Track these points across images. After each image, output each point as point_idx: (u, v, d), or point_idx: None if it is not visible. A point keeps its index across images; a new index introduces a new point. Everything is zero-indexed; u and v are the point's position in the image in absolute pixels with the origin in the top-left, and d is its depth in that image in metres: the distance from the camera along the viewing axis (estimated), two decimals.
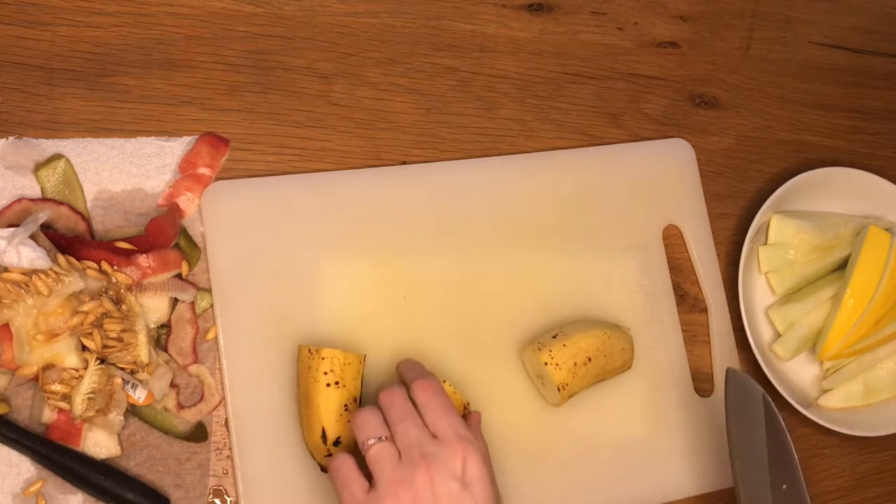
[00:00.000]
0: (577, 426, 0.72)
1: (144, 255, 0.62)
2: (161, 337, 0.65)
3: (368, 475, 0.57)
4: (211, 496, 0.64)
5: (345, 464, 0.58)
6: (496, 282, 0.72)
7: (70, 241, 0.62)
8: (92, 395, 0.59)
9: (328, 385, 0.62)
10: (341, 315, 0.68)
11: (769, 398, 0.68)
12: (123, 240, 0.63)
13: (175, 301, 0.65)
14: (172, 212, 0.66)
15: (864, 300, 0.77)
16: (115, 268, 0.61)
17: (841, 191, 0.83)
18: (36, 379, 0.60)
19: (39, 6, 0.67)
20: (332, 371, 0.62)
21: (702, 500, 0.75)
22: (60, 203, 0.64)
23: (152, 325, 0.64)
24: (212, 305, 0.66)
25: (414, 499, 0.55)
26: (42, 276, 0.58)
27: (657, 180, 0.79)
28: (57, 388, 0.59)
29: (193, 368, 0.65)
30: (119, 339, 0.61)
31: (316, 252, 0.69)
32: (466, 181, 0.74)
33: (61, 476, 0.61)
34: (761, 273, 0.82)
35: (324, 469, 0.64)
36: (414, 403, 0.59)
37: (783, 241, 0.80)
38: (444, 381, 0.64)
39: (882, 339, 0.79)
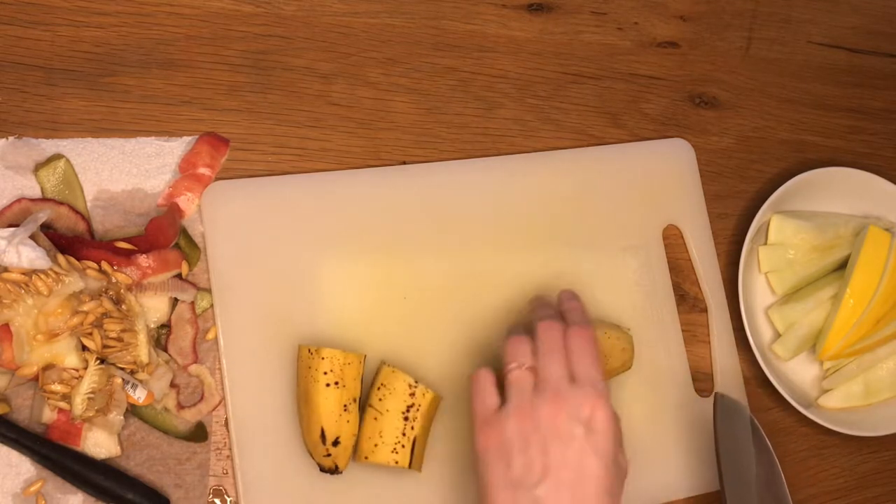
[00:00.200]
0: None
1: (144, 255, 0.62)
2: (161, 337, 0.65)
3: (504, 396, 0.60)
4: (211, 496, 0.64)
5: (485, 377, 0.61)
6: (496, 282, 0.72)
7: (70, 241, 0.62)
8: (92, 395, 0.59)
9: (328, 385, 0.62)
10: (341, 315, 0.68)
11: (757, 423, 0.69)
12: (123, 240, 0.63)
13: (175, 301, 0.65)
14: (172, 212, 0.66)
15: (864, 300, 0.77)
16: (115, 268, 0.61)
17: (841, 191, 0.83)
18: (36, 379, 0.60)
19: (39, 6, 0.67)
20: (331, 371, 0.62)
21: (702, 500, 0.75)
22: (60, 203, 0.64)
23: (152, 325, 0.64)
24: (212, 305, 0.66)
25: (535, 429, 0.57)
26: (42, 276, 0.58)
27: (657, 180, 0.79)
28: (57, 388, 0.59)
29: (193, 368, 0.65)
30: (119, 339, 0.61)
31: (316, 252, 0.69)
32: (466, 181, 0.74)
33: (61, 476, 0.61)
34: (761, 273, 0.82)
35: (323, 469, 0.64)
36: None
37: (783, 241, 0.80)
38: (387, 365, 0.65)
39: (882, 339, 0.79)
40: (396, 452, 0.64)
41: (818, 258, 0.81)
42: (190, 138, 0.68)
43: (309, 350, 0.63)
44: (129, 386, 0.61)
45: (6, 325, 0.58)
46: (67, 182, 0.64)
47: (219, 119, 0.69)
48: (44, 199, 0.64)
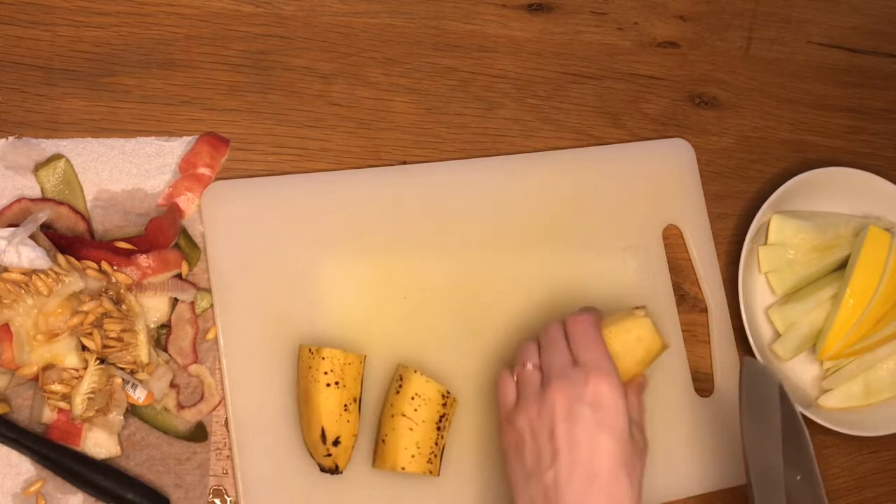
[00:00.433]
0: None
1: (144, 255, 0.62)
2: (161, 337, 0.65)
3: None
4: (211, 496, 0.64)
5: (505, 378, 0.63)
6: (496, 281, 0.72)
7: (70, 241, 0.62)
8: (92, 395, 0.59)
9: (328, 385, 0.62)
10: (341, 315, 0.68)
11: (785, 388, 0.67)
12: (123, 240, 0.63)
13: (175, 301, 0.65)
14: (172, 212, 0.66)
15: (864, 300, 0.77)
16: (115, 268, 0.61)
17: (841, 191, 0.83)
18: (36, 379, 0.60)
19: (39, 6, 0.67)
20: (332, 371, 0.62)
21: (702, 500, 0.75)
22: (60, 203, 0.64)
23: (152, 325, 0.64)
24: (212, 305, 0.66)
25: (540, 417, 0.58)
26: (42, 276, 0.58)
27: (657, 180, 0.79)
28: (57, 388, 0.59)
29: (193, 368, 0.65)
30: (119, 339, 0.61)
31: (316, 252, 0.69)
32: (466, 181, 0.74)
33: (61, 476, 0.61)
34: (761, 273, 0.82)
35: (323, 469, 0.64)
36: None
37: (783, 241, 0.80)
38: (416, 372, 0.64)
39: (882, 339, 0.79)
40: (431, 462, 0.64)
41: (818, 258, 0.81)
42: (190, 138, 0.68)
43: (309, 350, 0.63)
44: (129, 386, 0.61)
45: (6, 325, 0.58)
46: (67, 182, 0.64)
47: (219, 119, 0.69)
48: (44, 199, 0.64)
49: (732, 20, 0.87)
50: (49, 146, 0.65)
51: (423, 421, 0.64)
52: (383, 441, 0.65)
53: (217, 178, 0.68)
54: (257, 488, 0.64)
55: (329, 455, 0.63)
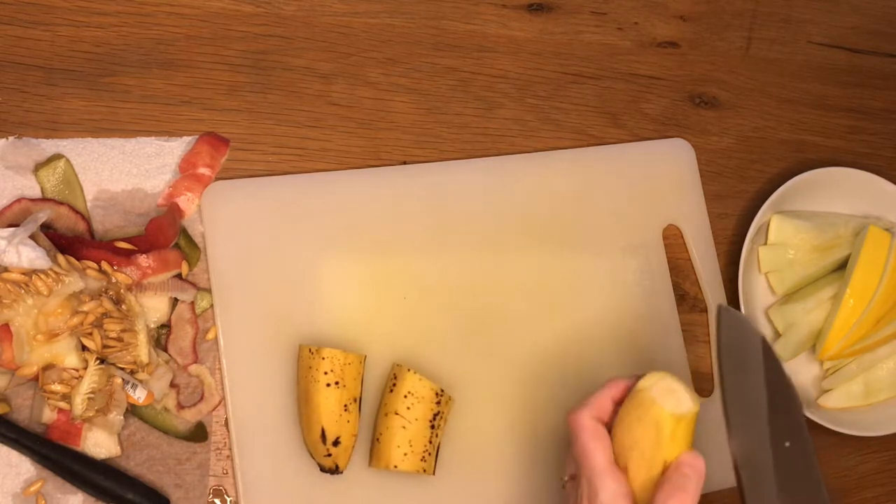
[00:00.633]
0: None
1: (144, 255, 0.62)
2: (161, 337, 0.65)
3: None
4: (211, 496, 0.64)
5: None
6: (496, 282, 0.72)
7: (70, 241, 0.62)
8: (92, 395, 0.59)
9: (328, 385, 0.62)
10: (341, 315, 0.68)
11: (769, 342, 0.58)
12: (123, 240, 0.63)
13: (175, 301, 0.65)
14: (172, 212, 0.66)
15: (864, 300, 0.77)
16: (115, 268, 0.61)
17: (841, 191, 0.83)
18: (36, 379, 0.60)
19: (39, 6, 0.67)
20: (332, 371, 0.62)
21: (701, 500, 0.75)
22: (60, 203, 0.64)
23: (152, 325, 0.64)
24: (212, 305, 0.66)
25: None
26: (42, 276, 0.58)
27: (657, 180, 0.79)
28: (57, 388, 0.59)
29: (193, 368, 0.65)
30: (119, 339, 0.61)
31: (316, 252, 0.69)
32: (466, 181, 0.74)
33: (61, 476, 0.61)
34: (761, 273, 0.82)
35: (324, 469, 0.64)
36: None
37: (783, 241, 0.80)
38: (410, 370, 0.64)
39: (882, 339, 0.79)
40: (425, 461, 0.64)
41: (818, 258, 0.81)
42: (190, 138, 0.68)
43: (309, 350, 0.63)
44: (129, 386, 0.61)
45: (6, 325, 0.58)
46: (67, 182, 0.64)
47: (219, 119, 0.69)
48: (44, 199, 0.64)
49: (732, 20, 0.87)
50: (49, 146, 0.65)
51: (416, 419, 0.64)
52: (377, 440, 0.65)
53: (217, 178, 0.68)
54: (257, 488, 0.64)
55: (329, 455, 0.63)
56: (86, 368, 0.59)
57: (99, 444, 0.61)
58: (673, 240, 0.79)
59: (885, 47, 0.92)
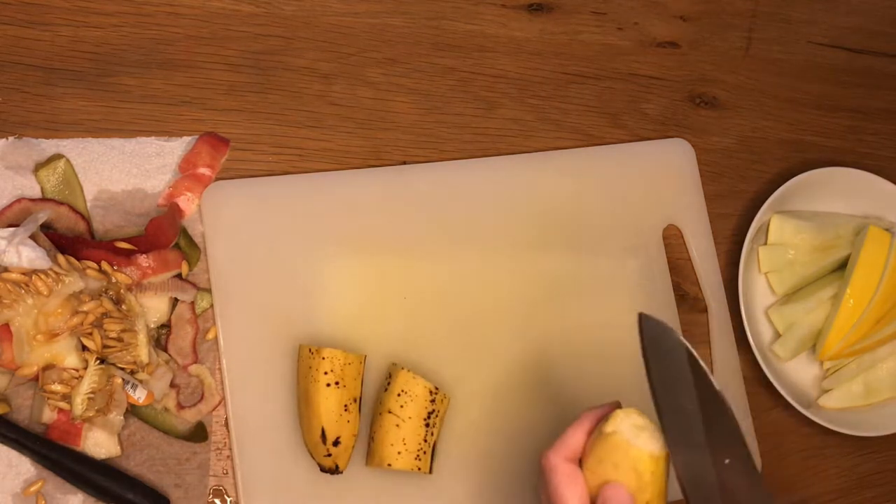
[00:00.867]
0: None
1: (144, 255, 0.62)
2: (161, 337, 0.65)
3: None
4: (211, 496, 0.64)
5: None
6: (496, 282, 0.72)
7: (70, 241, 0.62)
8: (92, 395, 0.59)
9: (328, 385, 0.62)
10: (341, 315, 0.68)
11: (693, 351, 0.54)
12: (123, 240, 0.63)
13: (175, 301, 0.65)
14: (172, 212, 0.66)
15: (864, 300, 0.77)
16: (115, 268, 0.61)
17: (841, 191, 0.83)
18: (36, 379, 0.60)
19: (39, 6, 0.67)
20: (332, 371, 0.62)
21: None
22: (60, 203, 0.64)
23: (152, 325, 0.64)
24: (212, 305, 0.66)
25: None
26: (42, 276, 0.58)
27: (657, 180, 0.79)
28: (57, 388, 0.59)
29: (193, 368, 0.65)
30: (119, 339, 0.61)
31: (316, 252, 0.69)
32: (466, 181, 0.74)
33: (61, 476, 0.61)
34: (761, 273, 0.82)
35: (324, 469, 0.64)
36: None
37: (783, 241, 0.80)
38: (403, 369, 0.65)
39: (882, 339, 0.79)
40: (419, 459, 0.64)
41: (818, 258, 0.81)
42: (190, 138, 0.68)
43: (309, 350, 0.63)
44: (129, 386, 0.61)
45: (6, 325, 0.58)
46: (67, 182, 0.64)
47: (219, 119, 0.69)
48: (44, 199, 0.64)
49: (732, 20, 0.87)
50: (49, 146, 0.65)
51: (410, 417, 0.64)
52: (372, 438, 0.65)
53: (217, 178, 0.68)
54: (257, 488, 0.64)
55: (329, 455, 0.63)
56: (86, 368, 0.59)
57: (99, 444, 0.61)
58: (673, 240, 0.79)
59: (885, 47, 0.92)
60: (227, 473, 0.65)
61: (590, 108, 0.80)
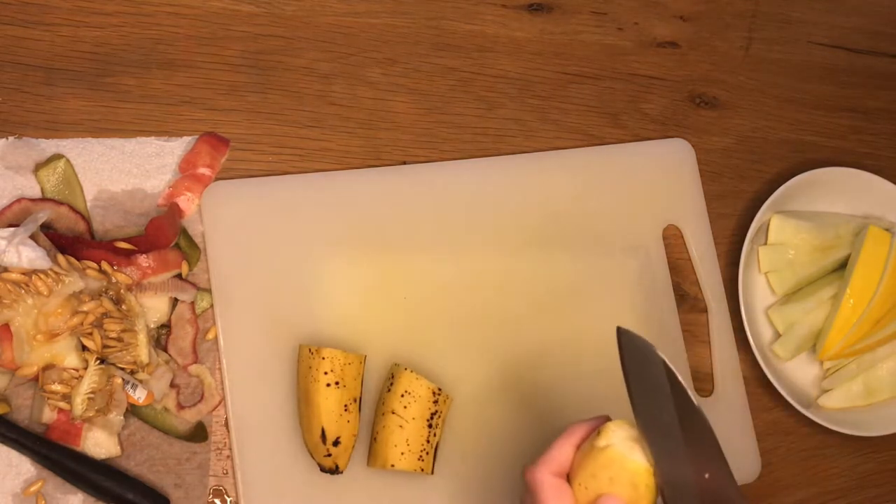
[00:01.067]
0: None
1: (144, 255, 0.62)
2: (161, 337, 0.65)
3: None
4: (211, 496, 0.64)
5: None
6: (496, 282, 0.72)
7: (70, 241, 0.62)
8: (92, 395, 0.59)
9: (328, 385, 0.62)
10: (341, 315, 0.68)
11: (670, 366, 0.53)
12: (123, 240, 0.63)
13: (175, 301, 0.65)
14: (172, 212, 0.66)
15: (864, 300, 0.77)
16: (115, 268, 0.61)
17: (841, 191, 0.83)
18: (36, 379, 0.60)
19: (39, 6, 0.67)
20: (332, 371, 0.62)
21: None
22: (60, 203, 0.64)
23: (152, 325, 0.64)
24: (212, 305, 0.66)
25: None
26: (42, 276, 0.58)
27: (657, 180, 0.79)
28: (57, 388, 0.59)
29: (193, 368, 0.65)
30: (119, 339, 0.61)
31: (316, 252, 0.69)
32: (466, 181, 0.74)
33: (61, 476, 0.61)
34: (761, 273, 0.82)
35: (324, 469, 0.64)
36: None
37: (783, 241, 0.81)
38: (407, 369, 0.64)
39: (882, 339, 0.79)
40: (422, 460, 0.64)
41: (818, 258, 0.81)
42: (190, 138, 0.68)
43: (309, 350, 0.63)
44: (129, 386, 0.61)
45: (6, 325, 0.58)
46: (67, 182, 0.64)
47: (219, 119, 0.69)
48: (44, 199, 0.64)
49: (732, 20, 0.87)
50: (49, 146, 0.65)
51: (413, 418, 0.64)
52: (375, 439, 0.65)
53: (217, 178, 0.68)
54: (257, 488, 0.64)
55: (329, 455, 0.63)
56: (86, 368, 0.59)
57: (99, 444, 0.61)
58: (673, 240, 0.79)
59: (885, 47, 0.92)
60: (227, 473, 0.65)
61: (590, 108, 0.80)
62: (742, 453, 0.77)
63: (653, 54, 0.83)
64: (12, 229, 0.58)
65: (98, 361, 0.60)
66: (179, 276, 0.65)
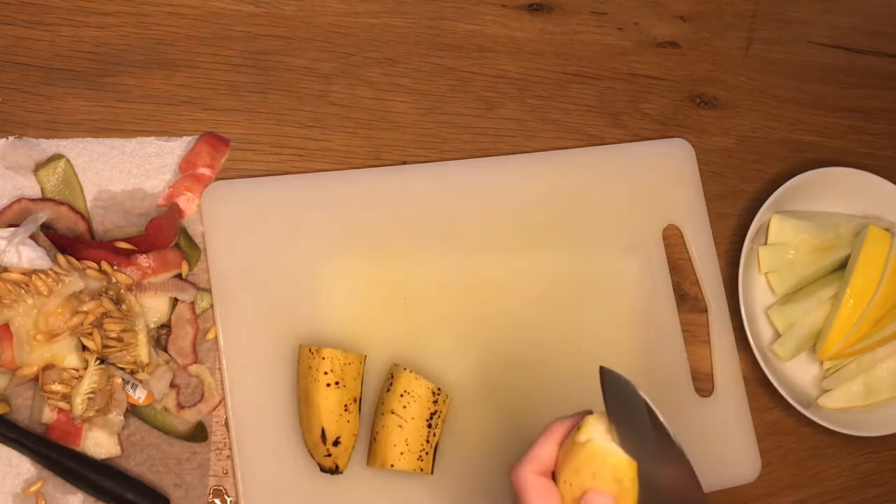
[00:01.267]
0: None
1: (144, 255, 0.62)
2: (161, 337, 0.65)
3: None
4: (211, 496, 0.64)
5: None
6: (496, 281, 0.72)
7: (70, 241, 0.62)
8: (92, 395, 0.59)
9: (328, 385, 0.62)
10: (341, 315, 0.68)
11: (654, 408, 0.53)
12: (123, 240, 0.63)
13: (175, 301, 0.65)
14: (172, 212, 0.66)
15: (864, 300, 0.77)
16: (115, 268, 0.61)
17: (841, 191, 0.83)
18: (36, 379, 0.60)
19: (39, 6, 0.67)
20: (332, 371, 0.62)
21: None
22: (60, 203, 0.64)
23: (152, 325, 0.64)
24: (212, 305, 0.66)
25: None
26: (42, 276, 0.58)
27: (657, 180, 0.79)
28: (57, 388, 0.59)
29: (193, 368, 0.65)
30: (119, 339, 0.61)
31: (316, 252, 0.69)
32: (466, 181, 0.74)
33: (61, 476, 0.61)
34: (761, 273, 0.82)
35: (324, 469, 0.64)
36: None
37: (783, 241, 0.80)
38: (406, 369, 0.64)
39: (882, 339, 0.79)
40: (422, 459, 0.64)
41: (818, 258, 0.81)
42: (190, 138, 0.68)
43: (309, 350, 0.63)
44: (129, 386, 0.61)
45: (6, 325, 0.58)
46: (67, 182, 0.64)
47: (219, 119, 0.69)
48: (44, 199, 0.64)
49: (732, 20, 0.87)
50: (49, 146, 0.65)
51: (413, 418, 0.64)
52: (374, 439, 0.65)
53: (217, 178, 0.68)
54: (257, 488, 0.64)
55: (329, 455, 0.63)
56: (86, 368, 0.59)
57: (99, 444, 0.61)
58: (673, 240, 0.79)
59: (885, 47, 0.92)
60: (227, 473, 0.65)
61: (590, 108, 0.80)
62: (742, 453, 0.77)
63: (653, 54, 0.83)
64: (12, 229, 0.58)
65: (98, 361, 0.60)
66: (179, 276, 0.65)
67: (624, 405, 0.53)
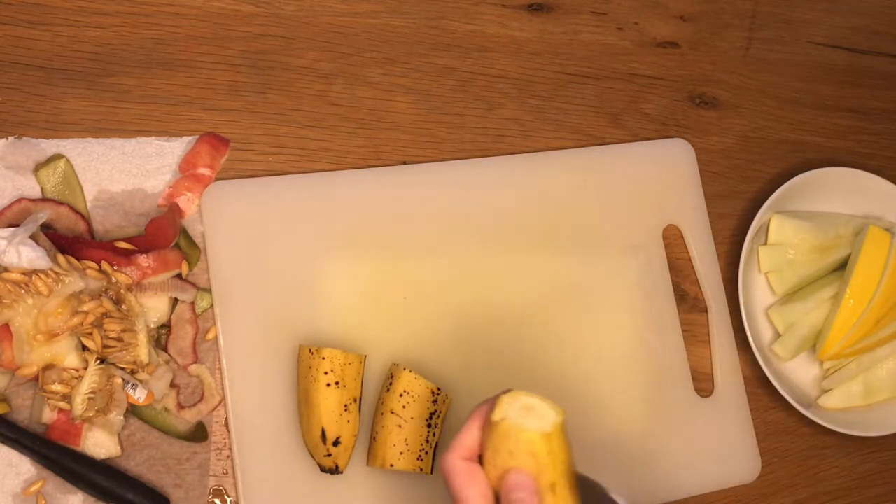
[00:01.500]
0: (576, 426, 0.72)
1: (144, 255, 0.62)
2: (161, 337, 0.65)
3: None
4: (211, 496, 0.64)
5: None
6: (496, 282, 0.72)
7: (70, 241, 0.62)
8: (92, 395, 0.59)
9: (328, 385, 0.62)
10: (341, 315, 0.68)
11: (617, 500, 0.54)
12: (123, 240, 0.63)
13: (175, 301, 0.65)
14: (172, 212, 0.66)
15: (864, 300, 0.77)
16: (115, 268, 0.61)
17: (841, 191, 0.83)
18: (36, 379, 0.60)
19: (39, 6, 0.67)
20: (332, 371, 0.62)
21: (702, 500, 0.75)
22: (60, 203, 0.64)
23: (152, 325, 0.64)
24: (212, 305, 0.66)
25: None
26: (42, 276, 0.58)
27: (657, 180, 0.79)
28: (57, 388, 0.59)
29: (193, 368, 0.65)
30: (119, 339, 0.61)
31: (316, 252, 0.69)
32: (466, 181, 0.74)
33: (61, 476, 0.61)
34: (761, 273, 0.82)
35: (324, 469, 0.64)
36: None
37: (783, 241, 0.80)
38: (406, 369, 0.65)
39: (882, 339, 0.79)
40: (421, 459, 0.64)
41: (818, 258, 0.81)
42: (190, 138, 0.68)
43: (309, 350, 0.63)
44: (129, 386, 0.61)
45: (6, 325, 0.58)
46: (67, 182, 0.64)
47: (219, 119, 0.69)
48: (44, 199, 0.64)
49: (732, 20, 0.87)
50: (49, 146, 0.65)
51: (412, 418, 0.64)
52: (374, 439, 0.65)
53: (217, 178, 0.68)
54: (257, 488, 0.64)
55: (329, 455, 0.63)
56: (86, 368, 0.60)
57: (99, 444, 0.61)
58: (673, 240, 0.79)
59: (885, 47, 0.92)
60: (227, 473, 0.65)
61: (590, 108, 0.80)
62: (742, 453, 0.77)
63: (653, 54, 0.83)
64: (12, 229, 0.58)
65: (98, 361, 0.60)
66: (179, 276, 0.65)
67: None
